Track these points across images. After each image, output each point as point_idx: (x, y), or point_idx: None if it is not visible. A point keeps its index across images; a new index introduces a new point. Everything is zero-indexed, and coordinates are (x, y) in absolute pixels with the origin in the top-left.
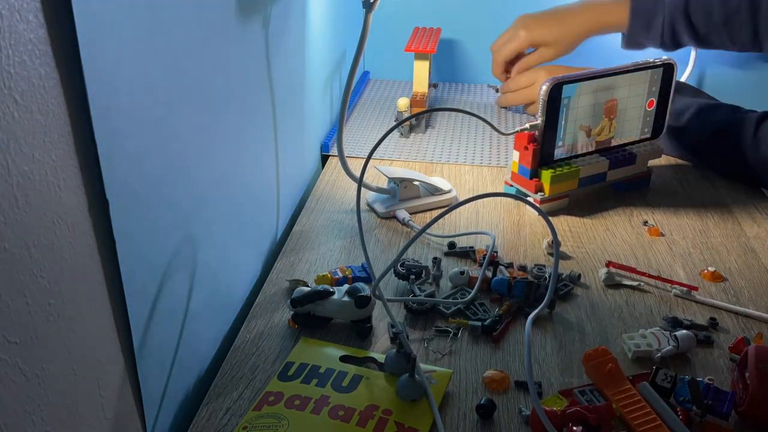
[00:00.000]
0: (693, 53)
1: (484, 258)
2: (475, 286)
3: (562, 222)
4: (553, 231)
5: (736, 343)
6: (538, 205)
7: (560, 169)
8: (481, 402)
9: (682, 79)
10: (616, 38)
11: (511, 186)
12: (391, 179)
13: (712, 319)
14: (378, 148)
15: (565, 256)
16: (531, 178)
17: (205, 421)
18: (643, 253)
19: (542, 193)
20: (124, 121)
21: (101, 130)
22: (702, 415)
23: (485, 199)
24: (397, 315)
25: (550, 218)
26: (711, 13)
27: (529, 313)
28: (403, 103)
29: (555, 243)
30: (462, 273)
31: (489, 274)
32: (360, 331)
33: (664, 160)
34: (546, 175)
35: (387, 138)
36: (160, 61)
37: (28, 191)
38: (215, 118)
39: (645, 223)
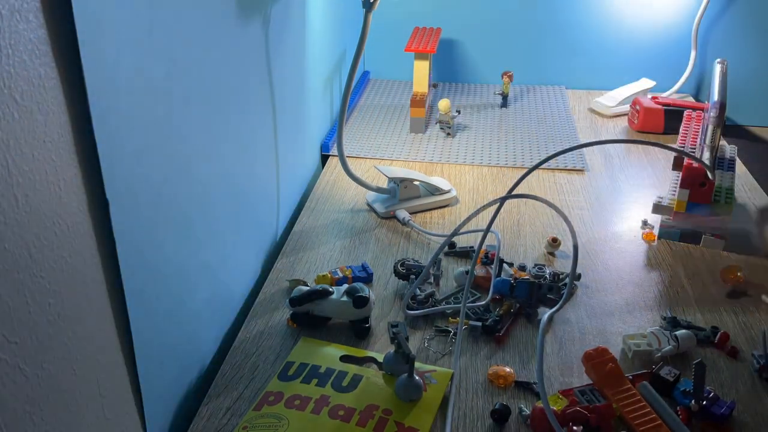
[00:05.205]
0: (693, 53)
1: (486, 257)
2: (490, 291)
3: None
4: (573, 232)
5: None
6: (555, 205)
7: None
8: (496, 407)
9: (682, 79)
10: (617, 39)
11: (674, 228)
12: (391, 179)
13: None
14: (378, 148)
15: (566, 256)
16: (708, 215)
17: (205, 421)
18: (642, 253)
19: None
20: (124, 121)
21: (101, 130)
22: (699, 407)
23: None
24: (396, 315)
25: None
26: None
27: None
28: (444, 105)
29: (574, 246)
30: (467, 273)
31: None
32: (358, 331)
33: None
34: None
35: (388, 138)
36: (160, 61)
37: (28, 191)
38: (215, 118)
39: (645, 222)
